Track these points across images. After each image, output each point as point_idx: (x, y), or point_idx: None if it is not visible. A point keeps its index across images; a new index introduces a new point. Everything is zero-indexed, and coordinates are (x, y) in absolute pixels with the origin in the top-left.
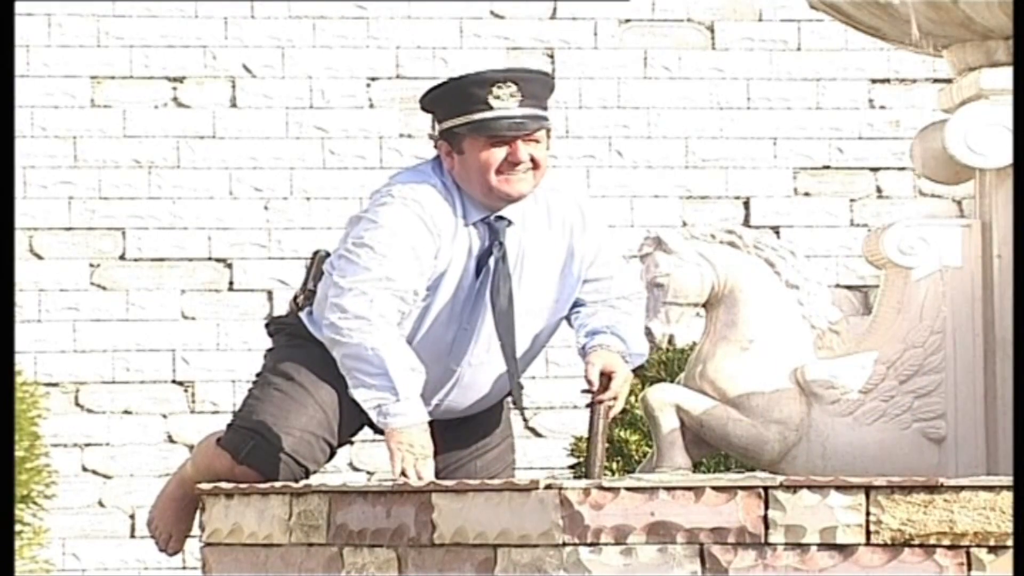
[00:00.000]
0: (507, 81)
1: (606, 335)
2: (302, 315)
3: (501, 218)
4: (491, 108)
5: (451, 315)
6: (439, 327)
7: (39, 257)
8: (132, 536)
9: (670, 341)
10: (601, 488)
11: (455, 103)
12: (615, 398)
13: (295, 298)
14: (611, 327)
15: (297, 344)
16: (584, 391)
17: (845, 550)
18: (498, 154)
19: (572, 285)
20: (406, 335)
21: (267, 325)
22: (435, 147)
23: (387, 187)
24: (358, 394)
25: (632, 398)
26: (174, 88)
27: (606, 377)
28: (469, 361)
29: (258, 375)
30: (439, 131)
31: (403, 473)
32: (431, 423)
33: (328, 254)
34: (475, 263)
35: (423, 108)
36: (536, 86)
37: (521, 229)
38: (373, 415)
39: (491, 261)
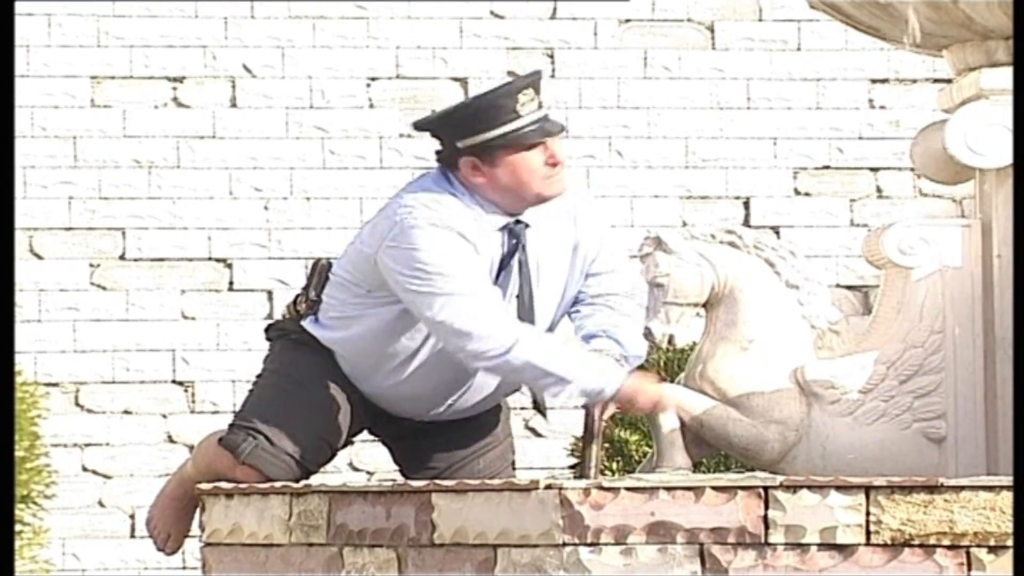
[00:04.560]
0: (527, 87)
1: (601, 339)
2: (306, 323)
3: (519, 222)
4: (520, 116)
5: None
6: None
7: (39, 257)
8: (132, 536)
9: (670, 341)
10: (601, 488)
11: (484, 118)
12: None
13: (295, 304)
14: (607, 331)
15: (299, 347)
16: None
17: (845, 550)
18: (539, 158)
19: (577, 280)
20: (422, 341)
21: (267, 331)
22: (450, 166)
23: (407, 211)
24: (573, 393)
25: None
26: (174, 88)
27: None
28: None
29: (259, 375)
30: (464, 148)
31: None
32: (434, 423)
33: (330, 263)
34: (496, 269)
35: (433, 133)
36: (541, 85)
37: (536, 231)
38: (595, 398)
39: (514, 263)
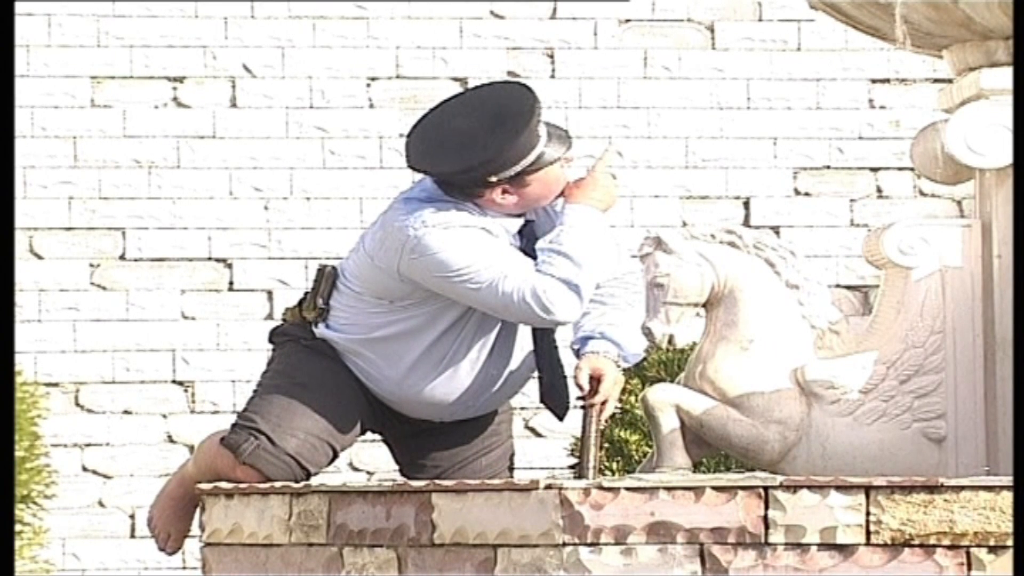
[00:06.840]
0: (538, 106)
1: (598, 340)
2: (319, 330)
3: (527, 222)
4: (540, 136)
5: (490, 322)
6: (481, 334)
7: (39, 257)
8: (132, 536)
9: (670, 341)
10: (601, 488)
11: (524, 148)
12: (605, 401)
13: (300, 309)
14: (604, 332)
15: (307, 351)
16: (578, 398)
17: (845, 550)
18: (560, 165)
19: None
20: (458, 346)
21: (272, 336)
22: (470, 196)
23: (417, 220)
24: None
25: (632, 398)
26: (174, 88)
27: (595, 380)
28: (508, 365)
29: (264, 376)
30: (501, 179)
31: None
32: (438, 424)
33: (335, 268)
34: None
35: (470, 173)
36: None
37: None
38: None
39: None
